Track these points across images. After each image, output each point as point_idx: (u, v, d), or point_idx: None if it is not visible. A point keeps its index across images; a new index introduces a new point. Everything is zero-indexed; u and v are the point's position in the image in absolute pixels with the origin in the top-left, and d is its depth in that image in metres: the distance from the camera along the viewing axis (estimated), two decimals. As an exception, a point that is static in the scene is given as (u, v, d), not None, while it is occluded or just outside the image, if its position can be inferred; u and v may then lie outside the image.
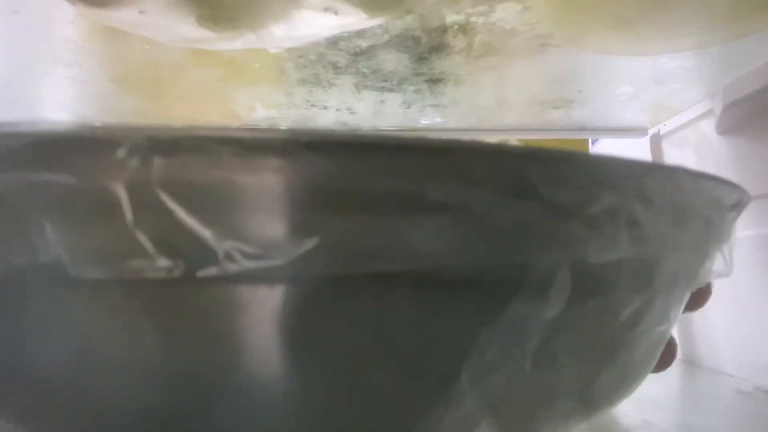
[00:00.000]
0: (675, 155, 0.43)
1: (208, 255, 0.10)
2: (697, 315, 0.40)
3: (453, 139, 0.12)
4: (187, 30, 0.26)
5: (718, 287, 0.37)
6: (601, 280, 0.14)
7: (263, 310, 0.12)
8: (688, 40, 0.30)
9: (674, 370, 0.40)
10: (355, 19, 0.26)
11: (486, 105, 0.42)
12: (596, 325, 0.14)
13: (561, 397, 0.14)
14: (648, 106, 0.41)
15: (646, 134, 0.45)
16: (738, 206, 0.18)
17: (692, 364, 0.40)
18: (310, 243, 0.11)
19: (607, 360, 0.15)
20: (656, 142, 0.45)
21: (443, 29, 0.29)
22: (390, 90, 0.38)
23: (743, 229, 0.35)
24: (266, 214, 0.11)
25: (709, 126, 0.39)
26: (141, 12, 0.25)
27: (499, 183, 0.12)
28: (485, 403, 0.13)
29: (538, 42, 0.31)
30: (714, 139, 0.38)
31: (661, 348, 0.19)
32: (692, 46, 0.31)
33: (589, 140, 0.51)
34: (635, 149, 0.46)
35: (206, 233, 0.10)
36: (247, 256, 0.10)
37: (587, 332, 0.14)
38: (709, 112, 0.38)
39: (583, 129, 0.44)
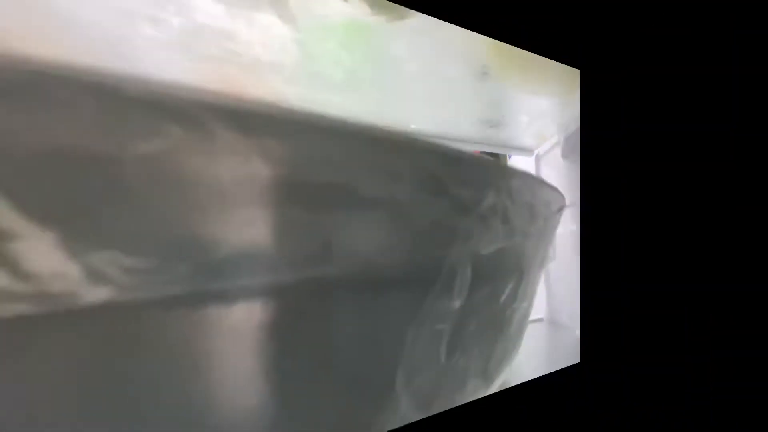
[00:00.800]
0: (546, 171, 0.51)
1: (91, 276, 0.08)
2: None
3: (381, 129, 0.10)
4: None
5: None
6: (489, 269, 0.14)
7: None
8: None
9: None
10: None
11: (446, 118, 0.45)
12: (487, 309, 0.15)
13: (470, 378, 0.14)
14: (535, 133, 0.48)
15: (533, 154, 0.53)
16: (561, 209, 0.19)
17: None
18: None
19: (497, 337, 0.16)
20: (538, 160, 0.53)
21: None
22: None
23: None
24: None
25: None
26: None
27: (419, 179, 0.11)
28: (415, 401, 0.12)
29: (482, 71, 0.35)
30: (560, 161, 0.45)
31: (527, 321, 0.20)
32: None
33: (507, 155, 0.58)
34: (524, 166, 0.51)
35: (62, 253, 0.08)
36: (129, 272, 0.08)
37: (483, 316, 0.15)
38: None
39: (504, 146, 0.51)
